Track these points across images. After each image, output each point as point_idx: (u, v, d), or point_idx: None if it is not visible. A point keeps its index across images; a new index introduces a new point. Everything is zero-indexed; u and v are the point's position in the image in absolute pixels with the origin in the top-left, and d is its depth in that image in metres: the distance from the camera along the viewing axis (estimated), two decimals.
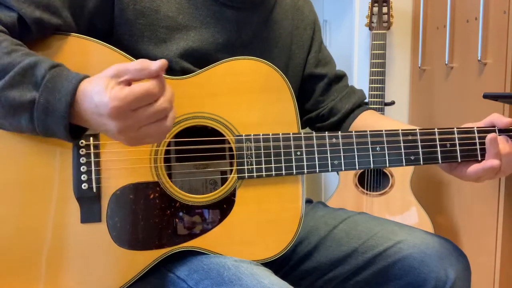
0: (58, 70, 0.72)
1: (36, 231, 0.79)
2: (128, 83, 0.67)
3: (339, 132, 0.87)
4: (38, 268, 0.79)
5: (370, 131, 0.87)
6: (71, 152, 0.80)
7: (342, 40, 2.46)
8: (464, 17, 1.65)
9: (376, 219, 1.02)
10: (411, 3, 2.12)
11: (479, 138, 0.87)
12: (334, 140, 0.86)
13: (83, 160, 0.80)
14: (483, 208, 1.55)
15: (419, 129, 0.87)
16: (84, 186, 0.79)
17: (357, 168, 0.87)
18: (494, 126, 0.88)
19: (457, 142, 0.87)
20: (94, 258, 0.80)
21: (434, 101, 1.93)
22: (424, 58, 2.00)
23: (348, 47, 2.27)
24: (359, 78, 2.18)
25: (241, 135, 0.85)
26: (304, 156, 0.85)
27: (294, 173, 0.85)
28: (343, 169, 0.86)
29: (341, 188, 1.95)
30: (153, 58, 0.87)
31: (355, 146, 0.86)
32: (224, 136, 0.85)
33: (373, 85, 1.94)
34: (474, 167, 0.86)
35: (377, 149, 0.86)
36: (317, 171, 0.86)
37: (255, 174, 0.84)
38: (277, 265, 0.98)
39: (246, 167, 0.84)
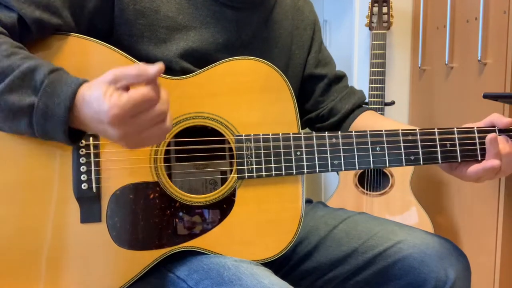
0: (57, 75, 0.72)
1: (36, 231, 0.79)
2: (126, 88, 0.67)
3: (339, 132, 0.87)
4: (38, 268, 0.79)
5: (370, 131, 0.87)
6: (71, 152, 0.80)
7: (342, 40, 2.46)
8: (464, 17, 1.65)
9: (376, 219, 1.02)
10: (411, 3, 2.12)
11: (479, 138, 0.87)
12: (334, 140, 0.86)
13: (83, 160, 0.80)
14: (483, 208, 1.55)
15: (419, 129, 0.87)
16: (84, 186, 0.79)
17: (357, 168, 0.87)
18: (494, 126, 0.88)
19: (457, 142, 0.87)
20: (94, 258, 0.80)
21: (434, 101, 1.93)
22: (424, 58, 2.00)
23: (348, 47, 2.27)
24: (359, 78, 2.18)
25: (241, 135, 0.85)
26: (304, 156, 0.85)
27: (294, 173, 0.85)
28: (343, 169, 0.86)
29: (341, 188, 1.95)
30: (153, 58, 0.88)
31: (355, 146, 0.86)
32: (224, 136, 0.85)
33: (373, 85, 1.94)
34: (474, 167, 0.86)
35: (377, 149, 0.86)
36: (317, 171, 0.86)
37: (255, 174, 0.84)
38: (277, 265, 0.98)
39: (246, 167, 0.84)
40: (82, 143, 0.80)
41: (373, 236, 0.96)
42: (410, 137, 0.87)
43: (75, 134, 0.73)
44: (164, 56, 0.88)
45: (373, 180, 1.93)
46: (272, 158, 0.85)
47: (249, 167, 0.84)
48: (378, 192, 1.91)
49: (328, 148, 0.86)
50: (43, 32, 0.79)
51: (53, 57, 0.80)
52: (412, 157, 0.87)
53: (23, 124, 0.71)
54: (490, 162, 0.84)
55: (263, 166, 0.84)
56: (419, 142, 0.87)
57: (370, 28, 2.02)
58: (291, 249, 0.92)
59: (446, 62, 1.75)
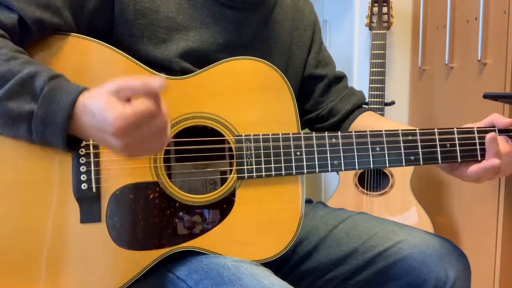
0: (57, 82, 0.72)
1: (36, 231, 0.79)
2: (128, 99, 0.67)
3: (339, 132, 0.86)
4: (38, 268, 0.79)
5: (370, 131, 0.87)
6: (70, 152, 0.80)
7: (342, 40, 2.46)
8: (464, 17, 1.65)
9: (376, 219, 1.02)
10: (411, 3, 2.12)
11: (479, 138, 0.87)
12: (333, 140, 0.86)
13: (82, 160, 0.80)
14: (483, 208, 1.55)
15: (419, 129, 0.87)
16: (84, 186, 0.79)
17: (356, 168, 0.86)
18: (494, 126, 0.88)
19: (457, 142, 0.87)
20: (94, 258, 0.80)
21: (434, 101, 1.93)
22: (424, 58, 2.00)
23: (348, 47, 2.26)
24: (359, 78, 2.18)
25: (241, 135, 0.85)
26: (304, 156, 0.85)
27: (294, 173, 0.85)
28: (342, 169, 0.86)
29: (341, 188, 1.95)
30: (153, 58, 0.88)
31: (354, 146, 0.86)
32: (223, 136, 0.85)
33: (373, 85, 1.94)
34: (474, 167, 0.86)
35: (377, 149, 0.86)
36: (317, 171, 0.86)
37: (254, 174, 0.84)
38: (277, 265, 0.98)
39: (245, 167, 0.84)
40: (82, 143, 0.80)
41: (373, 236, 0.96)
42: (410, 137, 0.87)
43: (73, 142, 0.74)
44: (164, 56, 0.88)
45: (373, 180, 1.93)
46: (272, 158, 0.85)
47: (249, 167, 0.84)
48: (378, 192, 1.91)
49: (328, 148, 0.86)
50: (43, 32, 0.79)
51: (53, 57, 0.80)
52: (412, 157, 0.87)
53: (22, 130, 0.72)
54: (490, 161, 0.84)
55: (263, 166, 0.84)
56: (419, 142, 0.87)
57: (370, 28, 2.01)
58: (291, 249, 0.92)
59: (446, 62, 1.75)
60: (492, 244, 1.48)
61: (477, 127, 0.88)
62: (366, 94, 1.94)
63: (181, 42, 0.90)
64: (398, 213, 1.88)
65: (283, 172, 0.85)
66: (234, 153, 0.84)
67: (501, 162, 0.85)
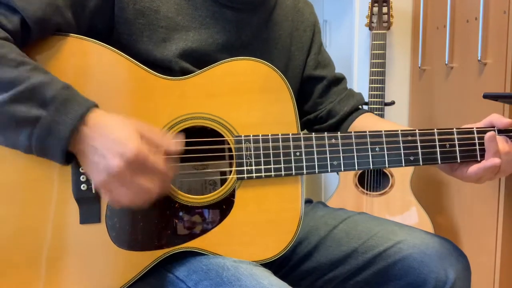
0: (70, 93, 0.73)
1: (36, 231, 0.79)
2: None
3: (338, 132, 0.86)
4: (38, 269, 0.79)
5: (369, 131, 0.87)
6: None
7: (342, 40, 2.46)
8: (464, 17, 1.65)
9: (376, 219, 1.02)
10: (411, 3, 2.12)
11: (479, 138, 0.87)
12: (333, 140, 0.86)
13: None
14: (483, 208, 1.55)
15: (419, 130, 0.87)
16: (83, 187, 0.79)
17: (356, 168, 0.86)
18: (494, 127, 0.88)
19: (456, 142, 0.87)
20: (94, 259, 0.80)
21: (434, 101, 1.93)
22: (424, 58, 2.00)
23: (348, 47, 2.26)
24: (359, 78, 2.18)
25: (240, 136, 0.85)
26: (303, 156, 0.85)
27: (293, 173, 0.85)
28: (342, 169, 0.86)
29: (341, 188, 1.95)
30: (153, 58, 0.88)
31: (354, 147, 0.86)
32: (223, 137, 0.85)
33: (373, 85, 1.94)
34: (474, 167, 0.86)
35: (377, 149, 0.86)
36: (316, 172, 0.86)
37: (254, 174, 0.84)
38: (276, 266, 0.98)
39: (245, 167, 0.84)
40: None
41: (373, 236, 0.96)
42: (409, 138, 0.87)
43: (67, 155, 0.74)
44: (164, 56, 0.88)
45: (373, 180, 1.93)
46: (272, 158, 0.85)
47: (248, 167, 0.84)
48: (378, 192, 1.91)
49: (327, 148, 0.86)
50: (44, 32, 0.79)
51: (53, 58, 0.80)
52: (411, 158, 0.87)
53: (23, 135, 0.72)
54: (490, 161, 0.84)
55: (262, 166, 0.84)
56: (418, 142, 0.87)
57: (370, 28, 2.01)
58: (291, 250, 0.92)
59: (446, 62, 1.74)
60: (492, 244, 1.48)
61: (476, 128, 0.88)
62: (366, 94, 1.94)
63: (181, 42, 0.90)
64: (398, 213, 1.88)
65: (283, 172, 0.85)
66: (234, 153, 0.84)
67: (501, 161, 0.85)
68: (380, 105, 1.92)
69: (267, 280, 0.76)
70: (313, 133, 0.86)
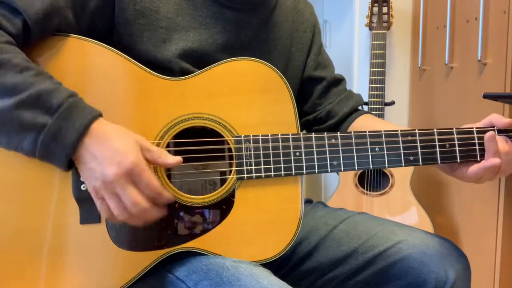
0: (76, 101, 0.74)
1: (36, 231, 0.79)
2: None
3: (338, 132, 0.86)
4: (38, 269, 0.79)
5: (369, 131, 0.87)
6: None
7: (342, 40, 2.46)
8: (464, 17, 1.65)
9: (376, 219, 1.02)
10: (411, 3, 2.12)
11: (478, 138, 0.87)
12: (333, 140, 0.86)
13: None
14: (483, 208, 1.55)
15: (418, 130, 0.87)
16: (83, 187, 0.79)
17: (356, 168, 0.86)
18: (493, 127, 0.88)
19: (456, 142, 0.87)
20: (94, 259, 0.81)
21: (434, 101, 1.93)
22: (424, 58, 2.00)
23: (348, 47, 2.26)
24: (359, 78, 2.18)
25: (240, 136, 0.85)
26: (303, 156, 0.85)
27: (293, 173, 0.85)
28: (342, 169, 0.86)
29: (341, 188, 1.95)
30: (153, 58, 0.88)
31: (354, 147, 0.86)
32: (223, 137, 0.85)
33: (373, 85, 1.94)
34: (474, 167, 0.86)
35: (376, 149, 0.86)
36: (316, 172, 0.86)
37: (254, 174, 0.84)
38: (276, 266, 0.98)
39: (245, 168, 0.84)
40: None
41: (373, 236, 0.96)
42: (409, 138, 0.87)
43: (69, 161, 0.75)
44: (164, 56, 0.88)
45: (373, 180, 1.93)
46: (271, 159, 0.85)
47: (248, 168, 0.84)
48: (378, 192, 1.91)
49: (327, 148, 0.86)
50: (45, 32, 0.79)
51: (53, 58, 0.80)
52: (411, 158, 0.87)
53: (28, 139, 0.72)
54: (490, 161, 0.84)
55: (262, 167, 0.84)
56: (418, 142, 0.87)
57: (370, 28, 2.01)
58: (291, 250, 0.92)
59: (446, 62, 1.74)
60: (492, 244, 1.48)
61: (476, 127, 0.88)
62: (366, 94, 1.94)
63: (181, 43, 0.90)
64: (398, 213, 1.88)
65: (282, 172, 0.85)
66: (234, 153, 0.84)
67: (501, 161, 0.85)
68: (380, 105, 1.92)
69: (267, 280, 0.76)
70: (313, 133, 0.86)
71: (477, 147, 0.87)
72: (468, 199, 1.68)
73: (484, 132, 0.87)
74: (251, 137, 0.85)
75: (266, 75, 0.87)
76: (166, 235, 0.83)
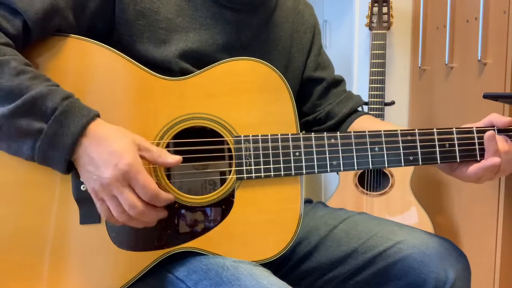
0: (70, 104, 0.74)
1: (36, 231, 0.79)
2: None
3: (338, 132, 0.86)
4: (38, 269, 0.79)
5: (368, 131, 0.87)
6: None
7: (342, 40, 2.46)
8: (464, 17, 1.65)
9: (376, 219, 1.02)
10: (411, 3, 2.12)
11: (478, 138, 0.87)
12: (332, 140, 0.86)
13: None
14: (483, 208, 1.55)
15: (418, 129, 0.87)
16: (83, 187, 0.79)
17: (356, 168, 0.86)
18: (493, 126, 0.88)
19: (456, 142, 0.87)
20: (94, 259, 0.81)
21: (434, 101, 1.93)
22: (424, 58, 2.00)
23: (348, 47, 2.26)
24: (359, 78, 2.18)
25: (240, 136, 0.85)
26: (303, 156, 0.85)
27: (293, 173, 0.85)
28: (341, 169, 0.86)
29: (341, 188, 1.95)
30: (152, 58, 0.88)
31: (353, 147, 0.86)
32: (222, 137, 0.85)
33: (373, 85, 1.94)
34: (473, 167, 0.86)
35: (376, 149, 0.86)
36: (316, 172, 0.86)
37: (253, 174, 0.84)
38: (276, 266, 0.98)
39: (244, 167, 0.84)
40: None
41: (373, 236, 0.96)
42: (409, 137, 0.87)
43: (68, 164, 0.75)
44: (163, 56, 0.88)
45: (373, 180, 1.93)
46: (271, 158, 0.85)
47: (247, 168, 0.84)
48: (378, 192, 1.91)
49: (327, 148, 0.86)
50: (45, 33, 0.80)
51: (53, 59, 0.80)
52: (411, 158, 0.87)
53: (26, 145, 0.73)
54: (490, 160, 0.84)
55: (262, 166, 0.84)
56: (418, 142, 0.87)
57: (370, 28, 2.01)
58: (291, 249, 0.92)
59: (446, 62, 1.74)
60: (492, 244, 1.48)
61: (476, 127, 0.88)
62: (366, 94, 1.94)
63: (181, 43, 0.90)
64: (398, 213, 1.88)
65: (282, 172, 0.85)
66: (233, 153, 0.84)
67: (500, 161, 0.85)
68: (380, 105, 1.92)
69: (267, 280, 0.76)
70: (312, 133, 0.86)
71: (477, 146, 0.87)
72: (468, 199, 1.68)
73: (484, 131, 0.87)
74: (250, 137, 0.85)
75: (266, 75, 0.87)
76: (166, 235, 0.83)
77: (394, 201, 1.88)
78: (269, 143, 0.85)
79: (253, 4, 0.97)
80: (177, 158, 0.77)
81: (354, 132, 0.87)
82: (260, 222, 0.85)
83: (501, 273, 1.45)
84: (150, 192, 0.73)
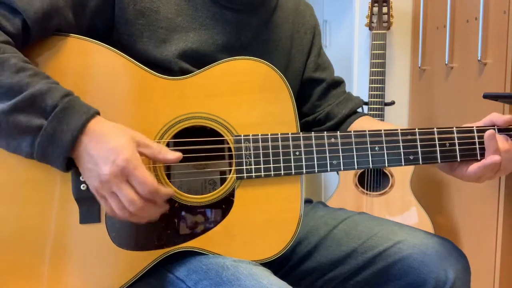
0: (70, 101, 0.74)
1: (36, 231, 0.79)
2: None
3: (338, 132, 0.86)
4: (38, 268, 0.79)
5: (369, 131, 0.87)
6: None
7: (342, 40, 2.46)
8: (464, 17, 1.65)
9: (376, 219, 1.02)
10: (411, 3, 2.12)
11: (478, 137, 0.87)
12: (333, 140, 0.86)
13: None
14: (483, 208, 1.55)
15: (418, 129, 0.87)
16: (83, 186, 0.79)
17: (356, 168, 0.86)
18: (494, 125, 0.88)
19: (456, 141, 0.87)
20: (93, 259, 0.80)
21: (434, 101, 1.93)
22: (424, 58, 2.00)
23: (348, 47, 2.26)
24: (359, 78, 2.18)
25: (240, 135, 0.85)
26: (303, 156, 0.85)
27: (293, 173, 0.85)
28: (342, 169, 0.86)
29: (341, 188, 1.95)
30: (152, 58, 0.88)
31: (354, 146, 0.86)
32: (223, 137, 0.85)
33: (373, 85, 1.94)
34: (474, 166, 0.86)
35: (376, 149, 0.86)
36: (316, 171, 0.85)
37: (253, 174, 0.84)
38: (276, 265, 0.98)
39: (244, 167, 0.84)
40: None
41: (373, 236, 0.96)
42: (409, 137, 0.87)
43: (68, 161, 0.75)
44: (163, 56, 0.88)
45: (373, 180, 1.93)
46: (271, 158, 0.85)
47: (247, 167, 0.84)
48: (378, 192, 1.91)
49: (327, 148, 0.86)
50: (45, 32, 0.80)
51: (53, 58, 0.80)
52: (411, 157, 0.87)
53: (25, 142, 0.73)
54: (490, 158, 0.84)
55: (262, 166, 0.84)
56: (418, 141, 0.87)
57: (370, 28, 2.01)
58: (291, 249, 0.92)
59: (446, 62, 1.74)
60: (492, 244, 1.48)
61: (476, 127, 0.88)
62: (366, 94, 1.94)
63: (181, 43, 0.90)
64: (398, 213, 1.88)
65: (282, 172, 0.85)
66: (233, 153, 0.84)
67: (501, 159, 0.85)
68: (380, 105, 1.92)
69: (267, 280, 0.76)
70: (313, 133, 0.86)
71: (477, 146, 0.87)
72: (468, 199, 1.68)
73: (484, 131, 0.87)
74: (250, 137, 0.85)
75: (266, 74, 0.87)
76: (166, 234, 0.83)
77: (394, 201, 1.88)
78: (269, 143, 0.85)
79: (253, 4, 0.97)
80: (177, 154, 0.77)
81: (354, 131, 0.87)
82: (260, 221, 0.85)
83: (501, 273, 1.45)
84: (148, 187, 0.73)
